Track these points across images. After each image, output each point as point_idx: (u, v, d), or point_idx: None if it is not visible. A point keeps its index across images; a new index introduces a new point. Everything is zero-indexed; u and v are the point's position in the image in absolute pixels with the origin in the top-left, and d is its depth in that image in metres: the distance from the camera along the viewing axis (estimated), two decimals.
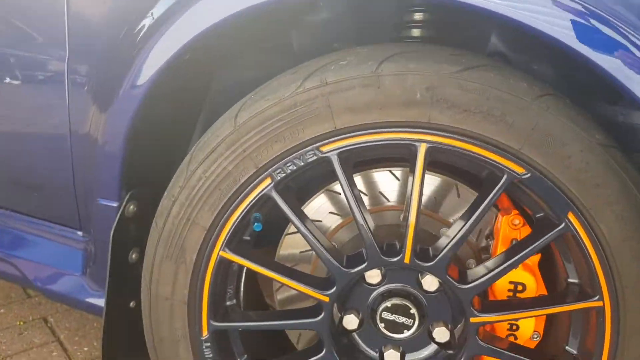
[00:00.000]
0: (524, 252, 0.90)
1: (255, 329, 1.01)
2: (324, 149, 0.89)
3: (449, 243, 0.91)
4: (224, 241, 0.94)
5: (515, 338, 1.04)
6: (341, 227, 1.09)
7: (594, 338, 0.94)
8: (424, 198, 1.06)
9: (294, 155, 0.89)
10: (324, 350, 0.99)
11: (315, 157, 0.89)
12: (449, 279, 0.93)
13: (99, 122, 1.08)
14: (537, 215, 0.94)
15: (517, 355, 0.95)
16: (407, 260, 0.92)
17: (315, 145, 0.89)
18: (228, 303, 1.02)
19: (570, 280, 0.97)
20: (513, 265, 0.91)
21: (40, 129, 1.20)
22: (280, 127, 0.88)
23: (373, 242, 0.92)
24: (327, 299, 0.96)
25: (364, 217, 0.91)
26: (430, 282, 0.97)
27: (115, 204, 1.12)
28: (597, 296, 0.90)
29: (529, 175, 0.86)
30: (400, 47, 0.88)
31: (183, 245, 0.95)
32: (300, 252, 1.10)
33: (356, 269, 0.94)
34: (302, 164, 0.90)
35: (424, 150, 0.87)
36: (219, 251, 0.95)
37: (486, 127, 0.85)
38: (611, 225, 0.87)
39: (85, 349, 1.61)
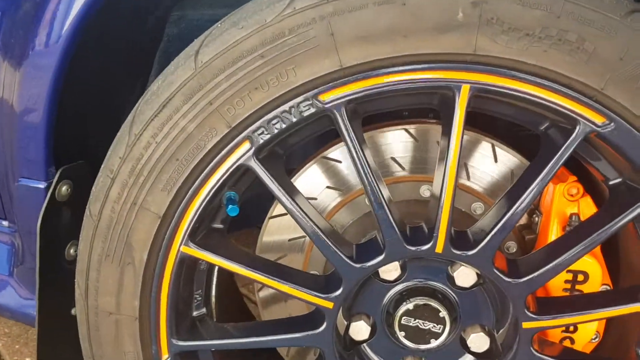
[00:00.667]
0: (601, 232, 0.65)
1: (234, 347, 0.74)
2: (325, 97, 0.62)
3: (497, 224, 0.65)
4: (185, 232, 0.67)
5: (572, 342, 0.79)
6: (342, 205, 0.82)
7: None
8: None
9: (282, 108, 0.62)
10: None
11: (312, 110, 0.62)
12: (497, 271, 0.67)
13: (12, 82, 0.79)
14: (613, 182, 0.68)
15: None
16: (439, 249, 0.66)
17: (312, 93, 0.62)
18: (196, 313, 0.75)
19: None
20: (586, 250, 0.66)
21: None
22: (261, 68, 0.61)
23: (394, 226, 0.66)
24: (330, 305, 0.69)
25: (381, 192, 0.64)
26: (465, 276, 0.72)
27: (42, 185, 0.84)
28: None
29: (612, 125, 0.61)
30: None
31: (129, 241, 0.67)
32: (290, 240, 0.83)
33: (371, 263, 0.68)
34: (295, 120, 0.63)
35: (466, 95, 0.61)
36: (180, 246, 0.67)
37: (556, 59, 0.59)
38: None
39: (28, 359, 1.32)
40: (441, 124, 0.69)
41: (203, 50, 0.61)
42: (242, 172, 0.66)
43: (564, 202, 0.76)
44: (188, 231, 0.67)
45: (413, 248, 0.67)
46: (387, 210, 0.65)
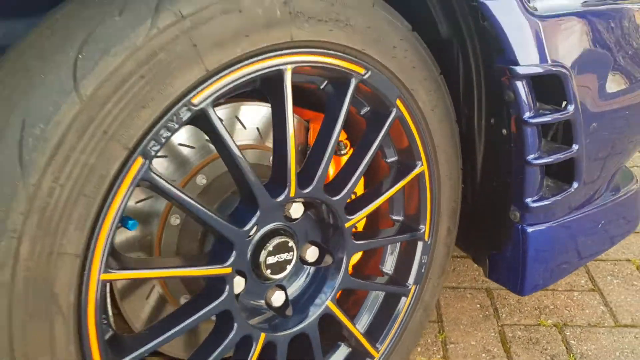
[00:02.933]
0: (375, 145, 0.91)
1: (157, 348, 0.75)
2: (195, 99, 0.69)
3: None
4: (102, 260, 0.66)
5: None
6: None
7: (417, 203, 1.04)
8: (253, 132, 0.96)
9: (165, 118, 0.67)
10: (236, 327, 0.82)
11: (189, 114, 0.69)
12: (326, 195, 0.88)
13: None
14: (362, 112, 0.95)
15: None
16: (292, 193, 0.83)
17: (186, 99, 0.68)
18: (109, 335, 0.74)
19: (388, 160, 1.02)
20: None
21: None
22: (144, 87, 0.64)
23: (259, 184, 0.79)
24: (229, 270, 0.79)
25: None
26: (296, 209, 0.90)
27: None
28: (419, 162, 0.99)
29: (369, 73, 0.86)
30: None
31: (53, 291, 0.62)
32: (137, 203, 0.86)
33: (252, 222, 0.80)
34: (177, 126, 0.68)
35: (290, 73, 0.77)
36: (99, 276, 0.66)
37: (337, 35, 0.80)
38: (424, 99, 0.95)
39: None
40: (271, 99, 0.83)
41: (83, 84, 0.61)
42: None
43: None
44: (104, 259, 0.66)
45: (277, 199, 0.81)
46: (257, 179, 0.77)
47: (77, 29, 0.64)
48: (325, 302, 0.94)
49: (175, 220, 0.89)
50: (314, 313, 0.94)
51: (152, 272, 0.72)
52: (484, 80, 1.03)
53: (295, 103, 0.81)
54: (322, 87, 0.88)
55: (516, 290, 1.09)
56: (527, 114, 0.95)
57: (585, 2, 1.02)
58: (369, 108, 0.95)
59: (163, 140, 0.68)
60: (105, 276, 0.67)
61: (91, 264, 0.65)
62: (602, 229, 1.21)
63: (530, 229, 1.04)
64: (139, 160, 0.66)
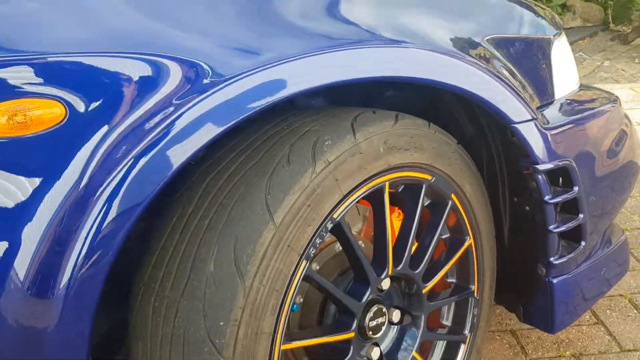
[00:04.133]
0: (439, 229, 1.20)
1: None
2: (335, 215, 0.97)
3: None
4: (282, 335, 0.92)
5: None
6: None
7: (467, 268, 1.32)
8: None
9: (320, 230, 0.95)
10: None
11: (331, 225, 0.97)
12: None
13: None
14: (426, 204, 1.24)
15: None
16: (390, 272, 1.10)
17: (330, 215, 0.96)
18: None
19: (443, 237, 1.31)
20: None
21: None
22: (309, 212, 0.92)
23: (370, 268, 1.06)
24: (353, 335, 1.06)
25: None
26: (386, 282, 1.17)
27: None
28: (467, 237, 1.28)
29: (434, 179, 1.16)
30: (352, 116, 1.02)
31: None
32: None
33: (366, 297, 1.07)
34: (325, 235, 0.96)
35: (387, 187, 1.06)
36: (280, 346, 0.92)
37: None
38: (469, 190, 1.25)
39: None
40: None
41: (275, 215, 0.88)
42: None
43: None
44: (284, 334, 0.92)
45: (381, 277, 1.09)
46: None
47: (259, 176, 0.92)
48: (412, 353, 1.21)
49: (299, 299, 1.15)
50: None
51: (311, 340, 0.98)
52: (506, 171, 1.34)
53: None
54: (400, 190, 1.17)
55: (548, 329, 1.37)
56: (547, 197, 1.25)
57: (571, 111, 1.35)
58: (430, 201, 1.24)
59: (317, 245, 0.95)
60: (284, 347, 0.93)
61: (276, 338, 0.91)
62: (604, 274, 1.51)
63: (555, 280, 1.33)
64: (304, 262, 0.93)
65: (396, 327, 1.24)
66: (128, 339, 0.96)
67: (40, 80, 0.77)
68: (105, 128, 0.80)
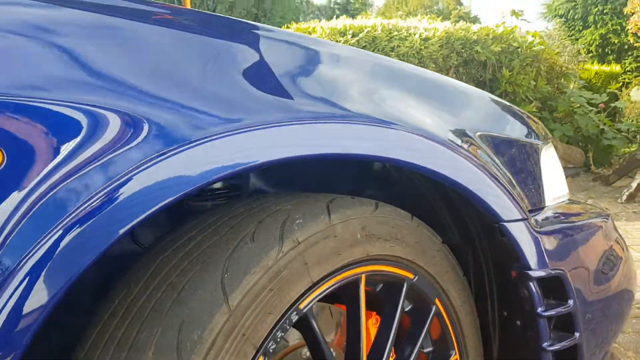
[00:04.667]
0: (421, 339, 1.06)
1: None
2: (302, 305, 0.84)
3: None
4: None
5: None
6: None
7: None
8: None
9: (282, 321, 0.81)
10: None
11: (297, 317, 0.84)
12: None
13: None
14: (407, 309, 1.11)
15: None
16: None
17: (296, 305, 0.83)
18: None
19: (425, 350, 1.16)
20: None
21: None
22: (271, 297, 0.79)
23: None
24: None
25: None
26: None
27: None
28: (452, 352, 1.14)
29: (417, 278, 1.04)
30: (328, 199, 0.93)
31: None
32: None
33: None
34: (288, 327, 0.83)
35: (364, 280, 0.94)
36: None
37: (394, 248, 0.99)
38: (454, 296, 1.13)
39: None
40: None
41: (231, 297, 0.76)
42: None
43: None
44: None
45: None
46: None
47: (218, 254, 0.80)
48: None
49: None
50: None
51: None
52: (495, 280, 1.23)
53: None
54: (378, 289, 1.05)
55: None
56: (540, 309, 1.13)
57: (563, 219, 1.27)
58: (411, 305, 1.11)
59: (278, 340, 0.81)
60: None
61: None
62: None
63: None
64: (261, 359, 0.79)
65: None
66: None
67: None
68: (45, 184, 0.70)
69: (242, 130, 0.81)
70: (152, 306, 0.78)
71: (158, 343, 0.73)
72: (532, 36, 6.08)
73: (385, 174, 1.27)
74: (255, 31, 0.92)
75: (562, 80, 6.90)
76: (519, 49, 5.68)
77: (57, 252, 0.69)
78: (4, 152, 0.69)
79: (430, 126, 1.00)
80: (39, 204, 0.69)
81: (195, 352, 0.72)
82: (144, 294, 0.80)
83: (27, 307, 0.67)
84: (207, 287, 0.77)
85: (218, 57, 0.85)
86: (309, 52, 0.96)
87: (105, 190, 0.72)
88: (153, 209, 0.74)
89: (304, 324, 0.87)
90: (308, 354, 1.02)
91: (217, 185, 1.15)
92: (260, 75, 0.87)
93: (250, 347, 0.77)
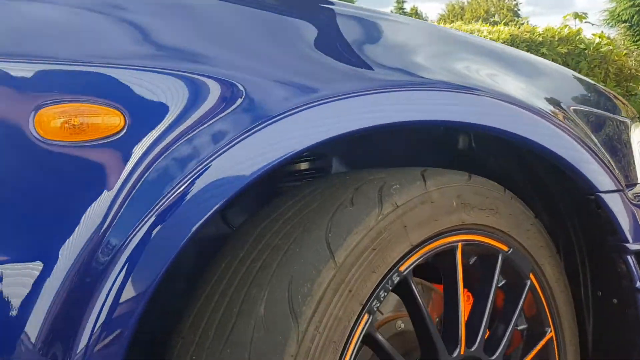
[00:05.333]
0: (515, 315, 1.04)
1: None
2: (402, 268, 0.85)
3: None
4: None
5: None
6: None
7: None
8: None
9: (385, 281, 0.82)
10: None
11: (398, 279, 0.85)
12: None
13: None
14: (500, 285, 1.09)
15: None
16: (462, 352, 0.94)
17: (397, 267, 0.84)
18: None
19: (519, 328, 1.14)
20: None
21: None
22: (374, 257, 0.81)
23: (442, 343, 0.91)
24: None
25: None
26: None
27: None
28: (548, 329, 1.11)
29: (511, 250, 1.03)
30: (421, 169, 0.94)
31: None
32: None
33: None
34: (390, 288, 0.84)
35: (460, 249, 0.94)
36: None
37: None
38: (549, 272, 1.10)
39: None
40: None
41: (337, 254, 0.78)
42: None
43: None
44: None
45: (452, 355, 0.92)
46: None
47: (319, 217, 0.83)
48: None
49: None
50: None
51: None
52: (587, 258, 1.19)
53: (439, 281, 0.97)
54: (472, 262, 1.04)
55: None
56: (638, 283, 1.09)
57: None
58: (505, 281, 1.09)
59: (381, 299, 0.82)
60: None
61: None
62: None
63: None
64: (366, 317, 0.80)
65: None
66: None
67: (105, 87, 0.74)
68: (161, 146, 0.75)
69: (330, 99, 0.83)
70: (258, 267, 0.81)
71: (269, 298, 0.76)
72: (599, 37, 5.90)
73: (466, 154, 1.26)
74: (332, 7, 0.95)
75: (631, 83, 6.64)
76: (586, 51, 5.52)
77: (178, 208, 0.73)
78: (126, 116, 0.74)
79: (524, 97, 1.00)
80: (153, 167, 0.74)
81: (305, 304, 0.74)
82: (249, 258, 0.83)
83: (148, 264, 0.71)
84: (312, 247, 0.79)
85: (298, 32, 0.89)
86: (383, 24, 0.98)
87: (213, 156, 0.76)
88: (254, 176, 0.77)
89: (403, 288, 0.87)
90: (403, 325, 1.02)
91: (302, 166, 1.17)
92: (341, 48, 0.90)
93: (356, 303, 0.78)
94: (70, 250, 0.69)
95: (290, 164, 1.13)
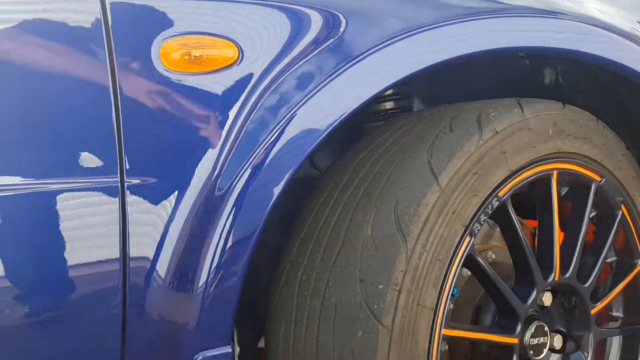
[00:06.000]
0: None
1: None
2: (501, 193, 0.87)
3: None
4: (443, 316, 0.80)
5: None
6: None
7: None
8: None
9: (485, 205, 0.85)
10: None
11: (497, 204, 0.87)
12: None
13: None
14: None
15: None
16: (557, 277, 0.96)
17: (496, 192, 0.86)
18: None
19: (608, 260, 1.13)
20: None
21: None
22: (475, 181, 0.83)
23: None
24: (516, 341, 0.91)
25: None
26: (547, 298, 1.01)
27: (228, 350, 0.81)
28: (638, 260, 1.11)
29: (604, 180, 1.02)
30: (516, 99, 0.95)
31: (416, 337, 0.76)
32: None
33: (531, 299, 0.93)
34: (489, 212, 0.86)
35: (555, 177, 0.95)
36: (441, 329, 0.80)
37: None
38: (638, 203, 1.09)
39: None
40: None
41: (440, 177, 0.80)
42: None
43: None
44: (445, 315, 0.80)
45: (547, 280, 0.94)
46: None
47: (419, 144, 0.85)
48: None
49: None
50: None
51: (473, 334, 0.85)
52: None
53: (524, 215, 0.98)
54: (565, 193, 1.04)
55: None
56: None
57: None
58: (595, 212, 1.09)
59: (481, 222, 0.85)
60: (445, 331, 0.80)
61: (437, 318, 0.79)
62: None
63: None
64: (468, 238, 0.83)
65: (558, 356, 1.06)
66: (268, 321, 0.89)
67: (220, 21, 0.78)
68: (272, 75, 0.79)
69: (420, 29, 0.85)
70: (361, 194, 0.84)
71: (375, 219, 0.80)
72: None
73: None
74: None
75: None
76: None
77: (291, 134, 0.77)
78: (239, 47, 0.78)
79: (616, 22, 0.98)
80: (266, 93, 0.78)
81: (413, 223, 0.78)
82: (351, 186, 0.87)
83: None
84: (415, 171, 0.82)
85: None
86: None
87: (323, 81, 0.80)
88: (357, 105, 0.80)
89: (502, 213, 0.89)
90: (494, 256, 1.04)
91: (387, 105, 1.19)
92: None
93: (459, 224, 0.81)
94: (198, 176, 0.75)
95: (375, 104, 1.16)
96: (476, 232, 0.84)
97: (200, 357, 0.77)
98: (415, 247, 0.77)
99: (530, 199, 1.00)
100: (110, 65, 0.71)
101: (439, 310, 0.79)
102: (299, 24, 0.81)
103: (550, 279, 0.95)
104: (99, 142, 0.71)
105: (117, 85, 0.71)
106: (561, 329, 1.05)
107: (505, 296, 0.89)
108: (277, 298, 0.87)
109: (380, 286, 0.76)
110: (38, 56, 0.70)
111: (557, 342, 1.02)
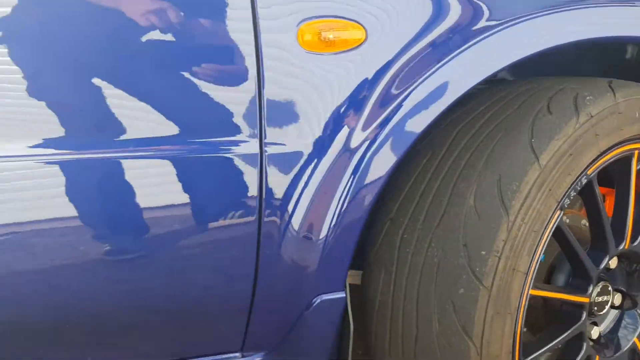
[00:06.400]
0: None
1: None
2: (590, 172, 0.96)
3: None
4: (532, 279, 0.91)
5: None
6: None
7: None
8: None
9: (575, 182, 0.94)
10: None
11: (585, 181, 0.96)
12: None
13: None
14: None
15: None
16: (627, 246, 1.06)
17: (585, 171, 0.95)
18: None
19: None
20: None
21: None
22: (570, 161, 0.92)
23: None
24: (587, 300, 1.02)
25: None
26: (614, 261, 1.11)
27: (342, 295, 0.93)
28: None
29: None
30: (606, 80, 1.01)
31: (509, 296, 0.88)
32: None
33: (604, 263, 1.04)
34: (578, 189, 0.95)
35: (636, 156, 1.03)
36: (529, 290, 0.91)
37: None
38: None
39: None
40: None
41: (541, 157, 0.89)
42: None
43: None
44: (533, 278, 0.91)
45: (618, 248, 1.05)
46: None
47: (518, 123, 0.93)
48: (632, 340, 1.14)
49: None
50: (625, 346, 1.13)
51: (554, 293, 0.96)
52: None
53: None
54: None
55: None
56: None
57: None
58: None
59: (571, 198, 0.94)
60: (532, 291, 0.92)
61: (528, 280, 0.91)
62: None
63: None
64: (558, 212, 0.93)
65: (616, 311, 1.18)
66: (367, 270, 1.00)
67: (350, 4, 0.85)
68: (394, 52, 0.87)
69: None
70: (463, 165, 0.93)
71: (478, 191, 0.89)
72: None
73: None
74: None
75: None
76: None
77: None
78: (366, 29, 0.85)
79: None
80: (389, 70, 0.86)
81: (515, 198, 0.87)
82: (451, 157, 0.95)
83: None
84: (517, 149, 0.90)
85: None
86: None
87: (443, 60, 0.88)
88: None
89: (588, 188, 0.98)
90: (568, 220, 1.14)
91: None
92: None
93: (553, 200, 0.91)
94: (333, 143, 0.85)
95: None
96: (565, 206, 0.93)
97: (319, 300, 0.89)
98: (516, 220, 0.87)
99: (607, 173, 1.08)
100: (256, 44, 0.79)
101: (529, 273, 0.90)
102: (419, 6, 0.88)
103: (621, 247, 1.05)
104: (246, 113, 0.80)
105: (261, 62, 0.80)
106: (622, 288, 1.16)
107: (583, 260, 1.00)
108: (376, 250, 0.98)
109: (483, 252, 0.86)
110: (197, 30, 0.78)
111: (617, 299, 1.13)
